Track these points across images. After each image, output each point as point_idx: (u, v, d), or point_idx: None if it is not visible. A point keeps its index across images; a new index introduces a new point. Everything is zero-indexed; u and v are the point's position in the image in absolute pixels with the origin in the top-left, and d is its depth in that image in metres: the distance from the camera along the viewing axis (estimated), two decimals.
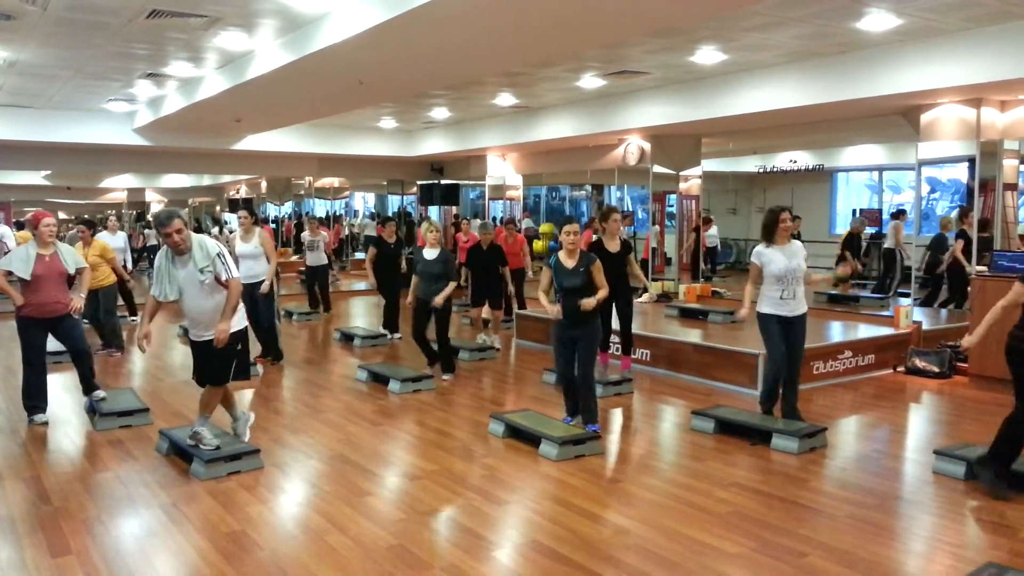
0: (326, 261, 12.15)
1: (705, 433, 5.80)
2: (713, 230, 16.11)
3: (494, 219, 15.28)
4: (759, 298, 5.86)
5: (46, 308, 5.92)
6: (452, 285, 7.48)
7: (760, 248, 5.83)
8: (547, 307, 5.67)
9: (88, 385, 6.32)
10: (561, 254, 5.67)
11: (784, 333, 5.76)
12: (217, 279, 4.85)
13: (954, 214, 9.89)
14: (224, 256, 4.90)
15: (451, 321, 7.87)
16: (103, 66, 9.28)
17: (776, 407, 5.96)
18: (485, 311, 9.37)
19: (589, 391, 5.72)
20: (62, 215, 26.48)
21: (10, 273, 5.86)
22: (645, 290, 9.73)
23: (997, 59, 7.24)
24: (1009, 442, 4.49)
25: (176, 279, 4.84)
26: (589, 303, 5.46)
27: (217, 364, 5.00)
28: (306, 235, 12.06)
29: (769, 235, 5.80)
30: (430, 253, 7.57)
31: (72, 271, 6.08)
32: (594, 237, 6.91)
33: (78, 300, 6.10)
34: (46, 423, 6.06)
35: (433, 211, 18.20)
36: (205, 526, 4.14)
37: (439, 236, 7.68)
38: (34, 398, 6.10)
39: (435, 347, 7.78)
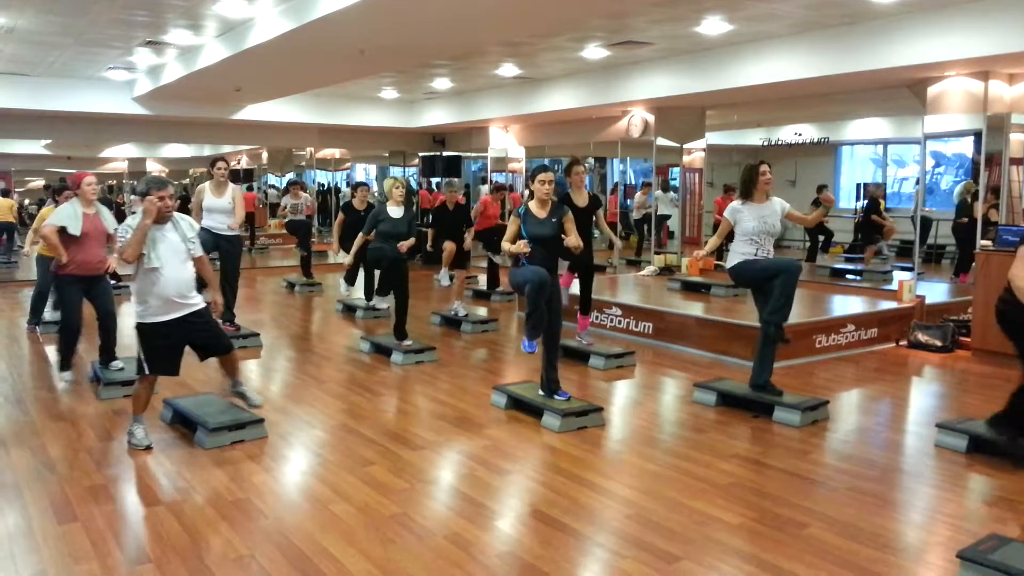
0: (306, 217, 12.10)
1: (707, 405, 5.82)
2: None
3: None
4: (730, 254, 5.65)
5: (90, 266, 6.05)
6: (412, 240, 7.22)
7: (736, 204, 5.63)
8: (511, 247, 5.28)
9: (110, 353, 6.34)
10: (532, 203, 5.42)
11: (764, 291, 5.55)
12: (194, 253, 4.83)
13: (960, 187, 9.81)
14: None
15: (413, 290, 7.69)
16: (102, 33, 9.18)
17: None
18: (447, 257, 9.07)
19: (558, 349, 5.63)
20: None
21: (63, 230, 5.91)
22: (611, 246, 9.18)
23: (1006, 31, 7.15)
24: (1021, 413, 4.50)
25: (156, 246, 4.62)
26: (573, 241, 5.27)
27: (217, 331, 5.03)
28: (288, 199, 12.03)
29: (747, 191, 5.61)
30: (396, 211, 7.22)
31: (111, 231, 6.15)
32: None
33: (113, 260, 6.18)
34: (69, 381, 6.27)
35: (435, 182, 18.12)
36: (210, 494, 4.16)
37: (403, 193, 7.41)
38: (68, 355, 6.28)
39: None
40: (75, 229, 5.93)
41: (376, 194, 17.20)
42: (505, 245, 5.40)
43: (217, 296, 5.17)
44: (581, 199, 6.86)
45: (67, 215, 5.97)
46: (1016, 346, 4.48)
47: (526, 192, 11.25)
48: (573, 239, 5.31)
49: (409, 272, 7.43)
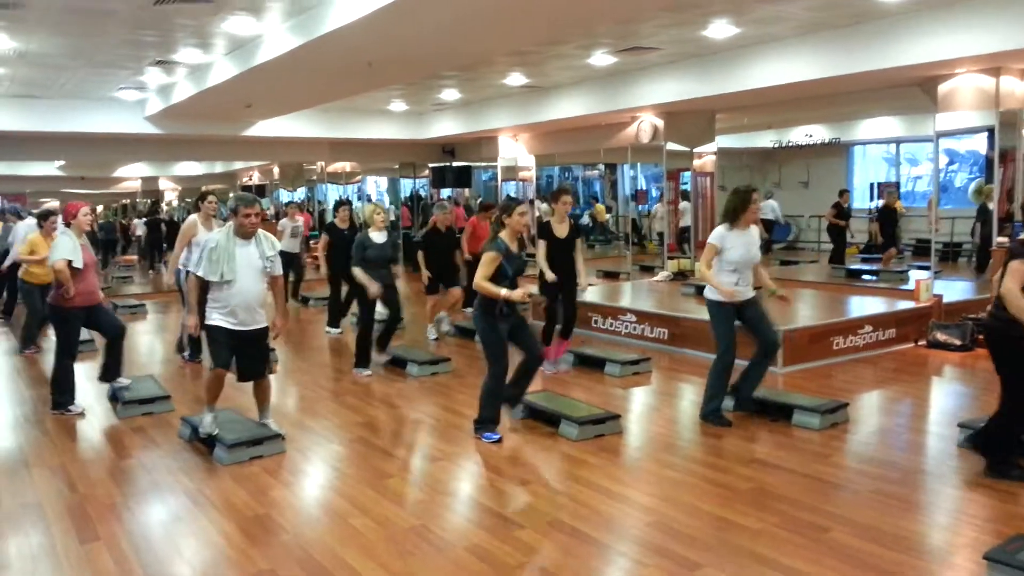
0: (297, 251, 11.54)
1: (725, 410, 5.76)
2: (772, 203, 15.97)
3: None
4: (709, 284, 5.42)
5: (92, 296, 6.08)
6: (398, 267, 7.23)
7: (722, 231, 5.33)
8: (512, 295, 4.99)
9: (117, 371, 6.36)
10: (505, 236, 5.14)
11: (746, 316, 5.41)
12: (271, 272, 5.02)
13: (973, 186, 9.74)
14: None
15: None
16: (112, 54, 9.28)
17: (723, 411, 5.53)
18: (436, 301, 8.79)
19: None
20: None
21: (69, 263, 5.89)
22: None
23: (1016, 27, 7.09)
24: (1002, 441, 4.34)
25: (234, 260, 4.83)
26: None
27: (265, 356, 5.16)
28: (285, 221, 11.74)
29: (734, 218, 5.32)
30: (379, 236, 7.13)
31: (97, 258, 6.25)
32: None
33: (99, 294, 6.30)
34: (83, 413, 6.09)
35: (446, 193, 18.16)
36: (230, 510, 4.17)
37: (386, 218, 7.40)
38: (70, 391, 6.15)
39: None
40: (79, 262, 5.90)
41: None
42: (489, 287, 4.99)
43: (279, 320, 5.25)
44: (562, 229, 6.75)
45: (69, 248, 5.90)
46: (999, 366, 4.27)
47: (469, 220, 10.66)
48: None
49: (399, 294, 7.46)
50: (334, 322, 9.52)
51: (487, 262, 5.03)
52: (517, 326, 5.25)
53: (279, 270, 5.11)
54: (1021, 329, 4.05)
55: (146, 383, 6.56)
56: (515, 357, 5.25)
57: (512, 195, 15.22)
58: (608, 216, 20.93)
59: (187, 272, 6.26)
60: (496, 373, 5.19)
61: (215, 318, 4.90)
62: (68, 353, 6.08)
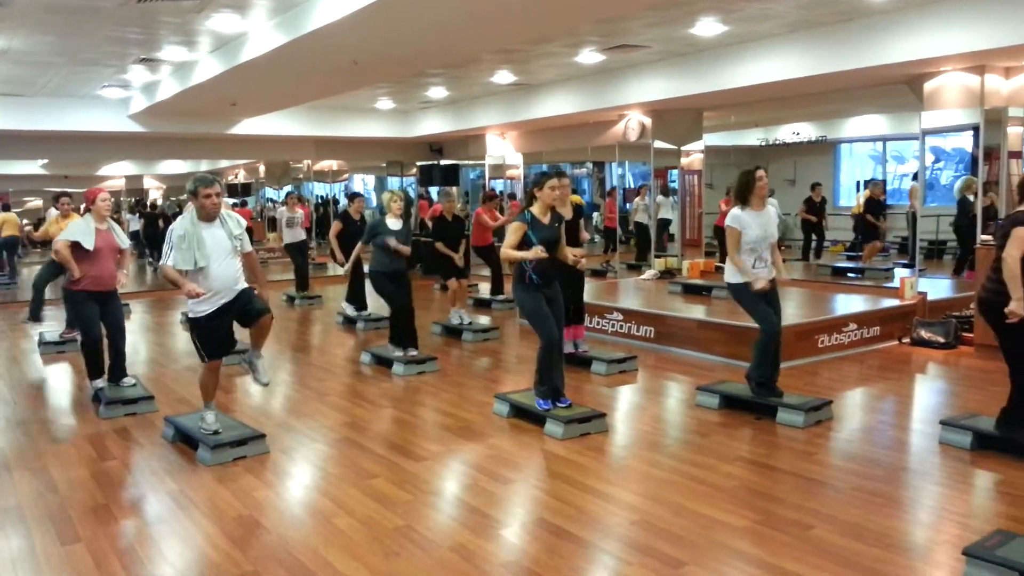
0: (304, 237, 12.04)
1: (710, 408, 5.79)
2: (773, 200, 16.06)
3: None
4: (729, 267, 5.51)
5: (103, 281, 6.06)
6: (407, 248, 7.27)
7: (737, 212, 5.43)
8: (526, 254, 5.14)
9: (121, 371, 6.34)
10: (535, 209, 5.30)
11: (766, 300, 5.52)
12: (241, 249, 4.96)
13: (960, 182, 9.79)
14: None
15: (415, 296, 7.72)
16: (96, 52, 9.20)
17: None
18: (453, 284, 9.07)
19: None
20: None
21: (74, 244, 5.93)
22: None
23: (1001, 25, 7.14)
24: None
25: (204, 244, 4.76)
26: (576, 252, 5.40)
27: (257, 299, 5.02)
28: (284, 211, 11.90)
29: (745, 198, 5.45)
30: (394, 224, 7.25)
31: (124, 247, 6.27)
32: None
33: (123, 276, 6.28)
34: (103, 387, 6.17)
35: (433, 191, 18.13)
36: (213, 511, 4.14)
37: (402, 206, 7.41)
38: (98, 368, 6.21)
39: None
40: (88, 244, 5.95)
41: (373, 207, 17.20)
42: (512, 253, 5.21)
43: (265, 292, 5.19)
44: (566, 211, 6.73)
45: (81, 230, 5.99)
46: (999, 337, 4.41)
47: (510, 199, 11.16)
48: (571, 253, 5.39)
49: (411, 282, 7.45)
50: (357, 302, 9.75)
51: (512, 231, 5.27)
52: (553, 299, 5.37)
53: (248, 246, 5.02)
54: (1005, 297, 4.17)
55: (129, 383, 6.51)
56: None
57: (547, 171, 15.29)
58: (595, 213, 20.93)
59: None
60: (545, 342, 5.35)
61: (196, 311, 4.85)
62: (87, 332, 6.14)
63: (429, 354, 7.47)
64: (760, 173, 5.45)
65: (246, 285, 5.00)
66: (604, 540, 3.75)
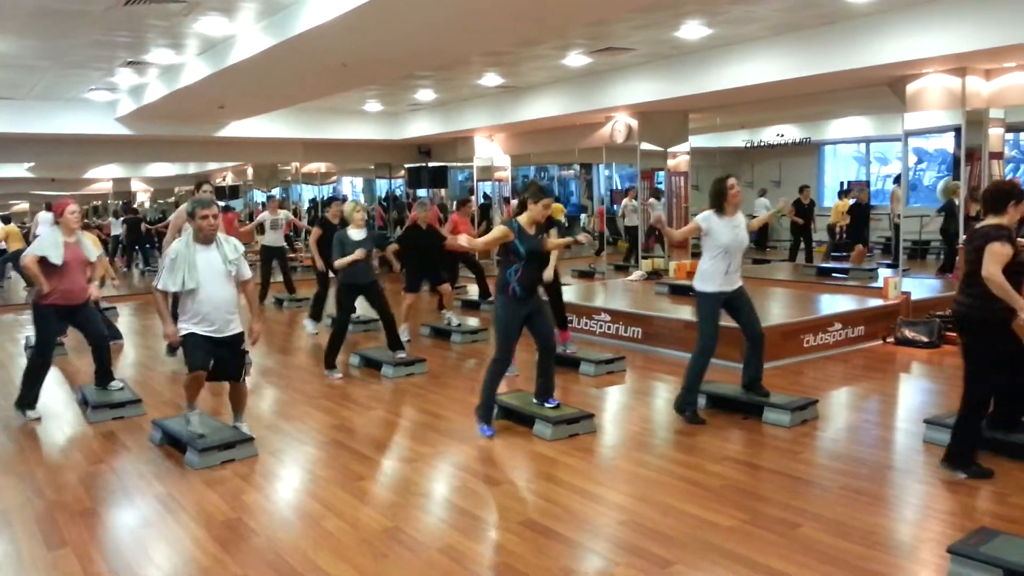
0: (283, 244, 11.87)
1: (700, 409, 5.81)
2: (764, 200, 16.27)
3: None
4: (700, 275, 5.51)
5: (72, 295, 5.95)
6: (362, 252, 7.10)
7: (709, 214, 5.46)
8: (477, 241, 5.34)
9: (105, 374, 6.29)
10: (523, 220, 5.29)
11: (733, 306, 5.51)
12: (238, 276, 4.93)
13: (942, 184, 9.88)
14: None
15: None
16: (83, 55, 9.16)
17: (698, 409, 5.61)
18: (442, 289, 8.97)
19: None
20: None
21: (43, 259, 5.81)
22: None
23: (981, 27, 7.23)
24: (967, 434, 4.39)
25: (196, 267, 4.73)
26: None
27: (241, 360, 5.06)
28: (266, 215, 11.71)
29: (719, 205, 5.46)
30: (358, 234, 7.15)
31: (93, 259, 6.16)
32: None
33: (95, 289, 6.20)
34: (39, 419, 6.02)
35: (422, 193, 18.12)
36: (201, 515, 4.14)
37: (364, 216, 7.33)
38: (34, 391, 6.04)
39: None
40: (56, 258, 5.80)
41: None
42: (473, 241, 5.30)
43: (258, 324, 5.14)
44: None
45: (48, 244, 5.86)
46: (970, 351, 4.33)
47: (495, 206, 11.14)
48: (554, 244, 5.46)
49: (384, 290, 7.42)
50: (316, 315, 9.52)
51: (495, 231, 5.32)
52: (536, 311, 5.39)
53: (247, 273, 5.01)
54: (1002, 312, 4.13)
55: (117, 387, 6.48)
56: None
57: (538, 182, 15.24)
58: (584, 216, 20.98)
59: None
60: (498, 359, 5.35)
61: (189, 327, 4.84)
62: (40, 352, 5.98)
63: (418, 356, 7.48)
64: (732, 181, 5.48)
65: (240, 328, 4.96)
66: (592, 540, 3.77)
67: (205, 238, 4.83)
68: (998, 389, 4.48)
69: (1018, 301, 4.07)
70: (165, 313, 4.93)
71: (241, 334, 5.00)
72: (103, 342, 6.27)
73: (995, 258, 4.13)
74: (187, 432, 5.02)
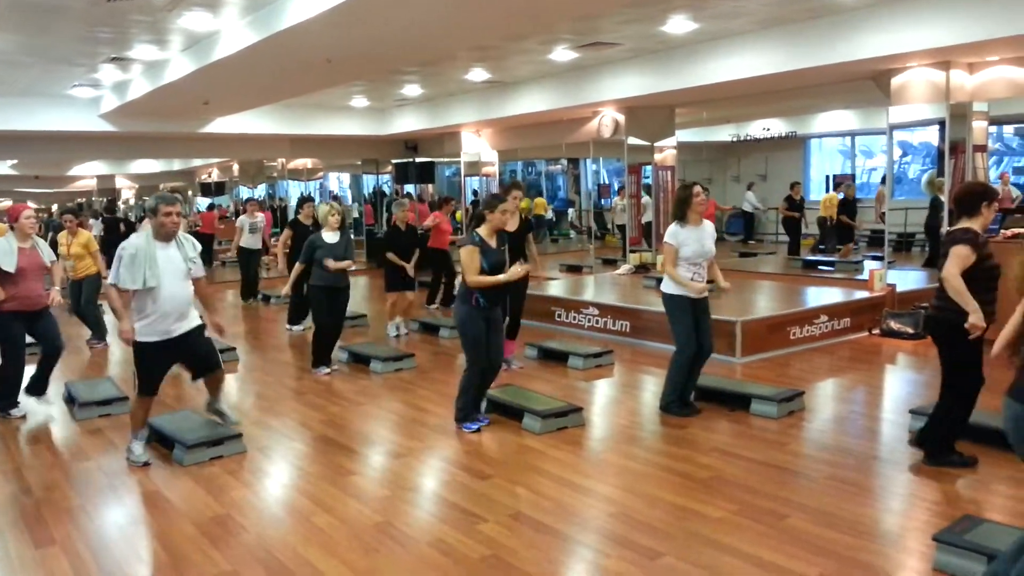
0: (260, 246, 11.80)
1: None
2: (750, 194, 16.65)
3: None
4: (667, 278, 5.49)
5: (29, 301, 5.80)
6: (349, 262, 7.08)
7: (675, 228, 5.42)
8: (502, 278, 5.16)
9: (44, 385, 6.13)
10: (483, 231, 5.25)
11: (695, 315, 5.49)
12: (194, 273, 4.83)
13: (926, 177, 9.98)
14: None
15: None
16: (66, 51, 9.07)
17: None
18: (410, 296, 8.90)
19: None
20: (32, 205, 26.06)
21: None
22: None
23: (964, 21, 7.28)
24: (944, 431, 4.43)
25: (156, 264, 4.58)
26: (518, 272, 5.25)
27: (211, 347, 5.01)
28: (244, 218, 11.57)
29: (683, 214, 5.42)
30: (331, 237, 7.04)
31: (48, 263, 5.99)
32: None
33: (55, 293, 6.02)
34: (24, 416, 5.98)
35: (409, 188, 18.09)
36: (190, 511, 4.13)
37: (339, 219, 7.21)
38: (13, 395, 5.99)
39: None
40: (9, 265, 5.62)
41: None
42: (487, 279, 5.13)
43: (218, 319, 5.11)
44: (513, 222, 6.54)
45: (1, 251, 5.67)
46: (944, 355, 4.37)
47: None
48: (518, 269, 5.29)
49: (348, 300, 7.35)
50: (295, 320, 9.41)
51: (468, 256, 5.13)
52: (494, 324, 5.33)
53: (201, 271, 4.88)
54: (951, 313, 4.15)
55: (104, 385, 6.46)
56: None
57: (495, 192, 15.19)
58: (571, 210, 21.02)
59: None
60: (478, 368, 5.31)
61: (143, 334, 4.62)
62: (12, 362, 5.86)
63: (406, 351, 7.48)
64: (697, 190, 5.45)
65: (198, 321, 4.87)
66: (582, 533, 3.79)
67: (166, 235, 4.68)
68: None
69: (971, 304, 4.09)
70: (121, 309, 4.68)
71: (201, 326, 4.89)
72: (54, 352, 6.10)
73: (955, 260, 4.14)
74: (128, 460, 4.86)
